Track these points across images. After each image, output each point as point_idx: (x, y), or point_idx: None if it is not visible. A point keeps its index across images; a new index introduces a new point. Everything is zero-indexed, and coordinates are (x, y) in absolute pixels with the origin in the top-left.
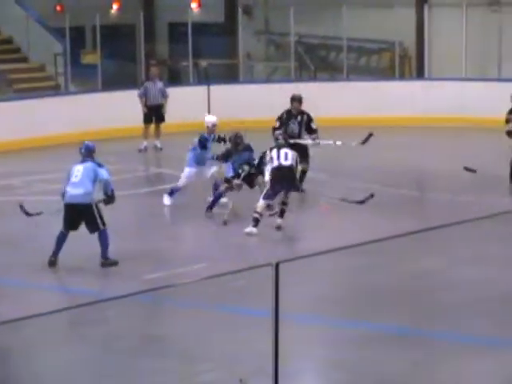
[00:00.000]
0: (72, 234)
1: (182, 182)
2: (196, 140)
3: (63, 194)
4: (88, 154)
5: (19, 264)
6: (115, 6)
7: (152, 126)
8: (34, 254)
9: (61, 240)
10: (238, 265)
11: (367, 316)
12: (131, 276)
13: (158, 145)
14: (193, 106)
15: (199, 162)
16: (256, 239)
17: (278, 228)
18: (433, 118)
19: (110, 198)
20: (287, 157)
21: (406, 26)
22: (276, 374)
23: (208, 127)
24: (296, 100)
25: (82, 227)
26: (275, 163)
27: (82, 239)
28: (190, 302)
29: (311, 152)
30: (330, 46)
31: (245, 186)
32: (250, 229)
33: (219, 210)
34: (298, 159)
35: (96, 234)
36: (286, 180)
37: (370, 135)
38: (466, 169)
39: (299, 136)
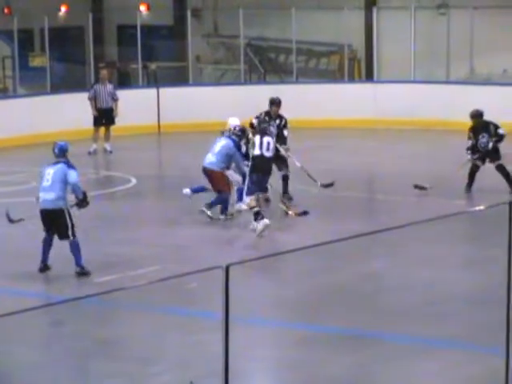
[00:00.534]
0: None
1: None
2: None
3: (38, 199)
4: (61, 154)
5: None
6: (64, 9)
7: (102, 129)
8: None
9: (46, 245)
10: (190, 267)
11: (317, 317)
12: (82, 279)
13: (108, 148)
14: (142, 108)
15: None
16: (208, 242)
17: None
18: (382, 120)
19: (82, 202)
20: (269, 147)
21: (355, 29)
22: (226, 375)
23: (232, 129)
24: (275, 103)
25: None
26: (257, 151)
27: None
28: (141, 305)
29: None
30: (279, 49)
31: None
32: (262, 224)
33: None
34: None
35: (67, 243)
36: (265, 171)
37: (332, 184)
38: (417, 186)
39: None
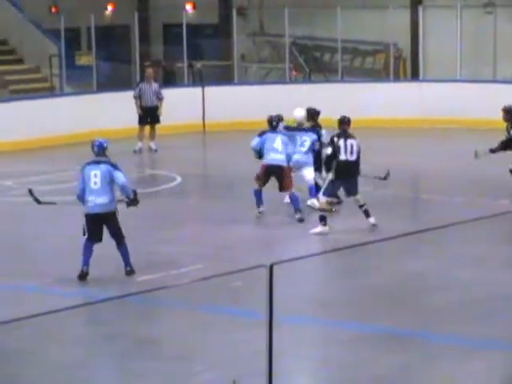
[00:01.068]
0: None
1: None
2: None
3: (81, 198)
4: (102, 152)
5: (13, 266)
6: (110, 8)
7: (147, 128)
8: (28, 255)
9: (88, 250)
10: (233, 266)
11: (359, 317)
12: (125, 278)
13: (153, 146)
14: (187, 107)
15: None
16: (252, 241)
17: (374, 226)
18: (427, 119)
19: (132, 201)
20: (353, 150)
21: (401, 28)
22: (270, 374)
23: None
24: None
25: None
26: (342, 156)
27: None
28: (184, 304)
29: None
30: (324, 48)
31: None
32: (321, 228)
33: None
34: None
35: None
36: (347, 176)
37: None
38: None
39: None
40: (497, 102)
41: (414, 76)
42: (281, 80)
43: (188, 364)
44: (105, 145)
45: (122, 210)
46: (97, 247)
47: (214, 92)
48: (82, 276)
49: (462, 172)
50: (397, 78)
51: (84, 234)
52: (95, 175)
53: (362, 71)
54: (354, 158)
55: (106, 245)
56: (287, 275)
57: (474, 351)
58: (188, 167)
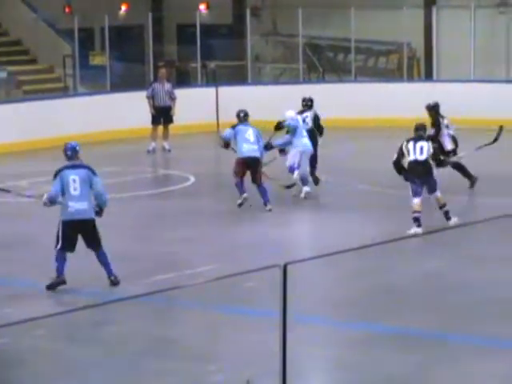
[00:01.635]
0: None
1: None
2: None
3: (53, 200)
4: (75, 155)
5: (29, 265)
6: (124, 8)
7: (160, 128)
8: (42, 254)
9: (63, 260)
10: (248, 266)
11: (373, 317)
12: (140, 278)
13: (167, 146)
14: (201, 107)
15: None
16: (265, 241)
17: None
18: None
19: (99, 212)
20: (422, 151)
21: (414, 28)
22: (284, 374)
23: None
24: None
25: None
26: (411, 157)
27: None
28: (198, 304)
29: None
30: (338, 48)
31: None
32: (415, 230)
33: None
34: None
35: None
36: (421, 175)
37: (500, 129)
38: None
39: None
40: (510, 101)
41: (428, 76)
42: (294, 80)
43: (202, 364)
44: (77, 148)
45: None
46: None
47: (228, 92)
48: (56, 284)
49: (475, 171)
50: (410, 78)
51: (57, 243)
52: (74, 180)
53: (376, 71)
54: (423, 157)
55: (119, 244)
56: (301, 275)
57: (490, 351)
58: (201, 167)
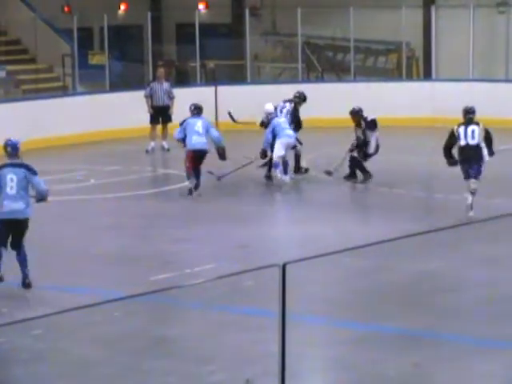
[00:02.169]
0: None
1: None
2: None
3: None
4: (16, 153)
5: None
6: (123, 7)
7: (159, 127)
8: (42, 254)
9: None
10: (247, 266)
11: (374, 317)
12: (140, 277)
13: (165, 146)
14: None
15: None
16: (265, 240)
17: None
18: (440, 118)
19: (42, 199)
20: (474, 135)
21: (414, 27)
22: (283, 374)
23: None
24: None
25: None
26: (463, 142)
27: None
28: (198, 303)
29: None
30: (337, 47)
31: None
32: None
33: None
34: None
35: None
36: (472, 159)
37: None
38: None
39: None
40: (509, 101)
41: (427, 75)
42: (294, 79)
43: (201, 363)
44: (18, 145)
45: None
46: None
47: (227, 92)
48: None
49: None
50: (409, 78)
51: None
52: (11, 179)
53: (375, 71)
54: (475, 142)
55: (119, 244)
56: (300, 275)
57: (488, 351)
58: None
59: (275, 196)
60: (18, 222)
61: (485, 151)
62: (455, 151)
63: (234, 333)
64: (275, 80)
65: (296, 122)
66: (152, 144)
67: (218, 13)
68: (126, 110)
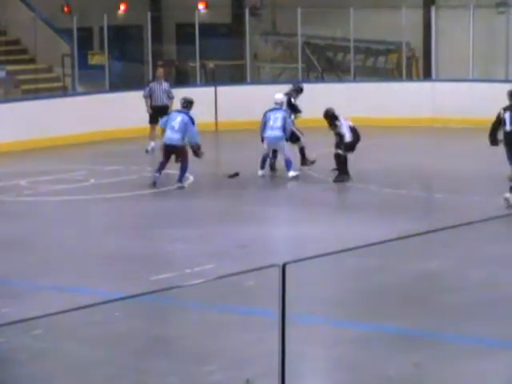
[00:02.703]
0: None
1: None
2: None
3: None
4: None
5: (28, 265)
6: (123, 7)
7: (158, 127)
8: (42, 254)
9: None
10: (246, 265)
11: (372, 317)
12: (138, 277)
13: None
14: (200, 106)
15: None
16: (265, 240)
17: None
18: (440, 119)
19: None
20: None
21: (413, 27)
22: (283, 374)
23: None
24: None
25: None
26: (508, 127)
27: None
28: (197, 303)
29: None
30: (337, 47)
31: None
32: (509, 195)
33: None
34: None
35: None
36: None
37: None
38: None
39: None
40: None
41: (427, 75)
42: (293, 80)
43: (201, 363)
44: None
45: (134, 209)
46: (114, 246)
47: (227, 92)
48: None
49: (475, 171)
50: (409, 78)
51: None
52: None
53: (375, 71)
54: None
55: (118, 244)
56: (300, 275)
57: (488, 351)
58: (200, 166)
59: (275, 196)
60: None
61: None
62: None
63: (233, 333)
64: (275, 80)
65: (293, 110)
66: (152, 144)
67: (218, 13)
68: (125, 110)
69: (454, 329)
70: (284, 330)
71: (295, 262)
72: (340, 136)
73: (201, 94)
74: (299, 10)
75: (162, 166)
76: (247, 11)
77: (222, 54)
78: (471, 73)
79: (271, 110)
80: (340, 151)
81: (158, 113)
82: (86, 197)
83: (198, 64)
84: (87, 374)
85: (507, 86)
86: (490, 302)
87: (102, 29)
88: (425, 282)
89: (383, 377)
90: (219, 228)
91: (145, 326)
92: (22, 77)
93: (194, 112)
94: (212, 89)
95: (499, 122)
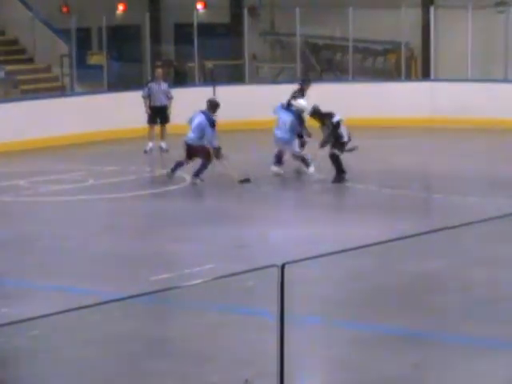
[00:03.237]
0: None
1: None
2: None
3: None
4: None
5: (27, 265)
6: (121, 7)
7: (157, 127)
8: (41, 254)
9: None
10: (246, 266)
11: (371, 317)
12: (138, 277)
13: (164, 146)
14: (198, 106)
15: None
16: (264, 240)
17: None
18: (438, 119)
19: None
20: None
21: (412, 27)
22: (282, 374)
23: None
24: None
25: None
26: None
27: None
28: (197, 303)
29: None
30: (335, 47)
31: None
32: None
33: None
34: None
35: None
36: None
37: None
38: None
39: None
40: (508, 101)
41: (425, 75)
42: (292, 79)
43: (200, 363)
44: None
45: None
46: (114, 246)
47: (226, 91)
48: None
49: (474, 171)
50: (408, 78)
51: None
52: None
53: (374, 71)
54: None
55: (118, 244)
56: (300, 275)
57: (488, 351)
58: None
59: (275, 196)
60: None
61: None
62: None
63: (233, 333)
64: (274, 80)
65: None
66: (150, 144)
67: (217, 13)
68: (124, 111)
69: (453, 329)
70: (283, 330)
71: (295, 262)
72: (337, 136)
73: (199, 94)
74: (298, 10)
75: (180, 164)
76: (246, 11)
77: (221, 54)
78: (470, 73)
79: (282, 107)
80: (336, 151)
81: (156, 113)
82: (85, 197)
83: (196, 64)
84: (86, 374)
85: (506, 86)
86: (490, 302)
87: (100, 29)
88: (424, 282)
89: (383, 377)
90: (219, 228)
91: (144, 326)
92: (20, 77)
93: (192, 112)
94: (210, 89)
95: None
